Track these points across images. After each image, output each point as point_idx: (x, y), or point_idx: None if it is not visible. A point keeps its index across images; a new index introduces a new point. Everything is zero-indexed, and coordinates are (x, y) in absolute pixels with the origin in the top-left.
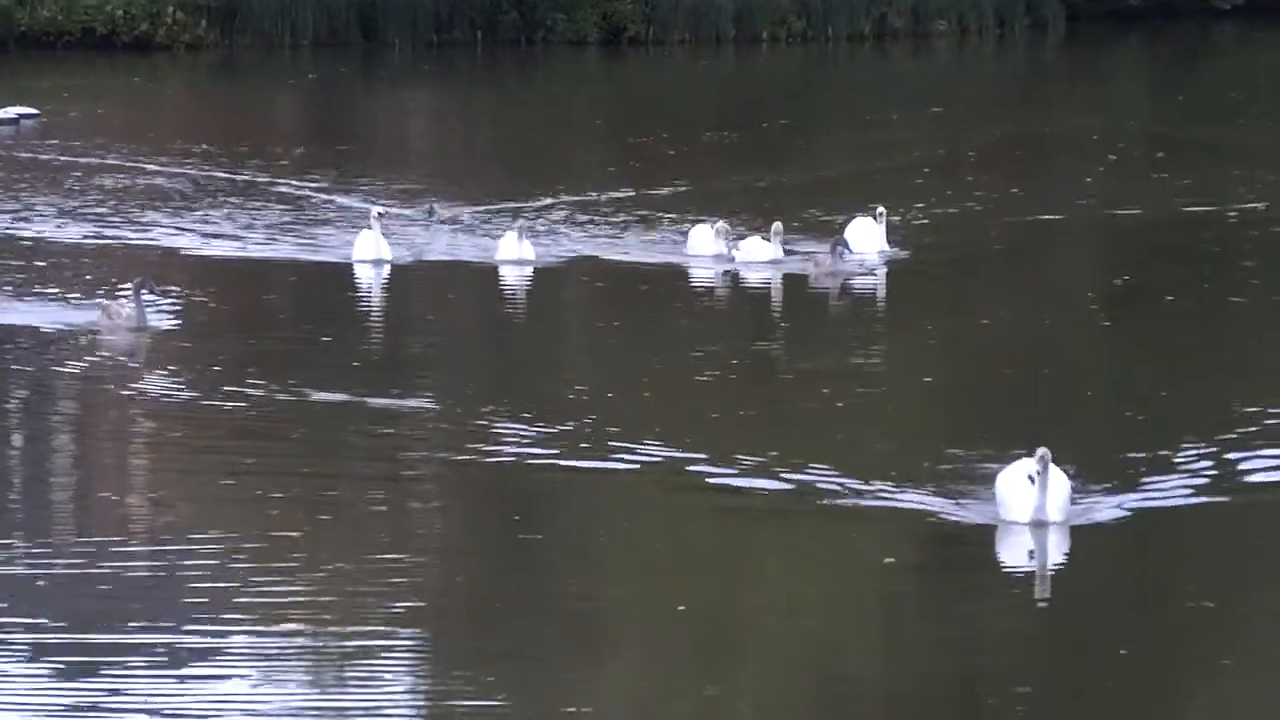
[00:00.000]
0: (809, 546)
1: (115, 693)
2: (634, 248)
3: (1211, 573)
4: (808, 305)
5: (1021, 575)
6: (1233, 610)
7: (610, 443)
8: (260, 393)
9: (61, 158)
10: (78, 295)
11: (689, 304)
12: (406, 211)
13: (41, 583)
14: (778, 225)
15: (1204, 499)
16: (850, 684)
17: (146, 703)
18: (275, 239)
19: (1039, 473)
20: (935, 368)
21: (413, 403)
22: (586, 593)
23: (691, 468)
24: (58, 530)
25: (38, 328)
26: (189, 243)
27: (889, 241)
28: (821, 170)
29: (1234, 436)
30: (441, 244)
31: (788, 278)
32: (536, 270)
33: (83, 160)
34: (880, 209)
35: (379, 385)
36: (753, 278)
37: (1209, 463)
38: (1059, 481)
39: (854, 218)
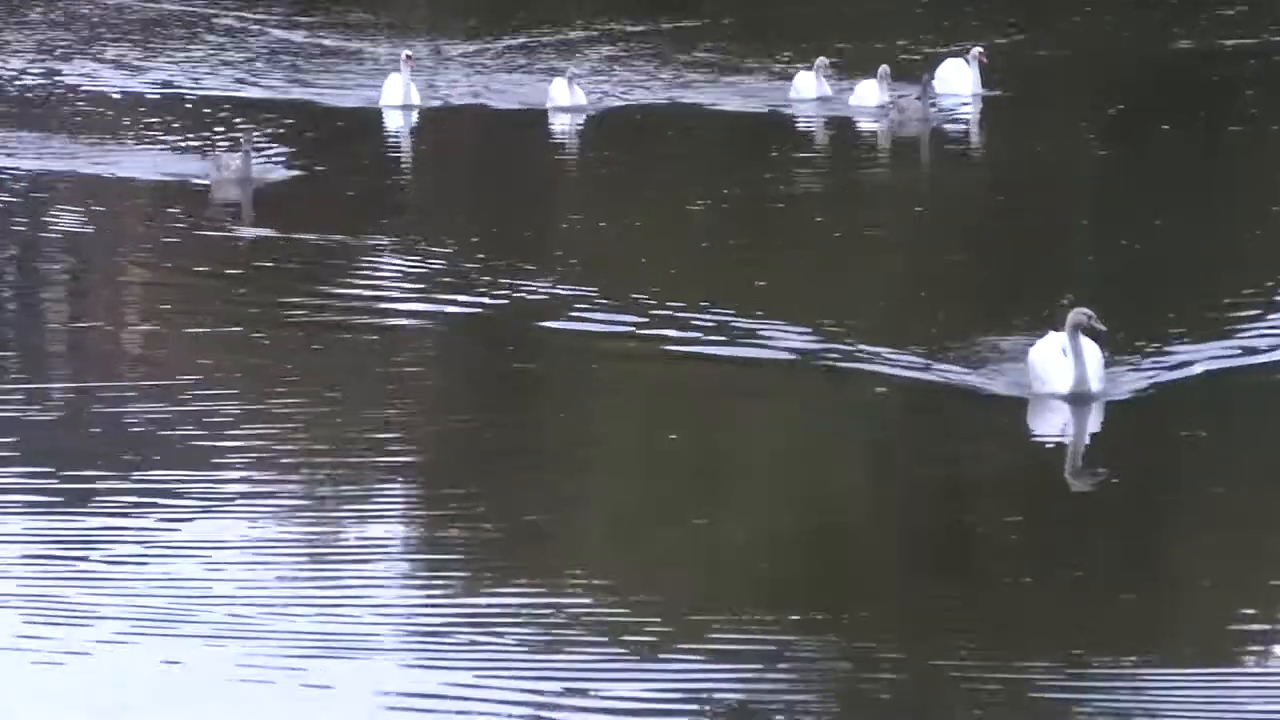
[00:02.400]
0: (815, 394)
1: (109, 528)
2: (709, 93)
3: (1208, 407)
4: (880, 150)
5: (1016, 411)
6: (1226, 438)
7: (629, 287)
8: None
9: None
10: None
11: (777, 149)
12: (409, 52)
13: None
14: (884, 68)
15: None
16: (838, 508)
17: (140, 536)
18: (290, 81)
19: (1071, 341)
20: (987, 218)
21: (432, 247)
22: (579, 430)
23: (707, 317)
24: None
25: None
26: (217, 85)
27: (983, 84)
28: (817, 5)
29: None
30: (463, 87)
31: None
32: (589, 117)
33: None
34: (977, 49)
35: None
36: (864, 123)
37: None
38: (1093, 350)
39: (944, 59)
